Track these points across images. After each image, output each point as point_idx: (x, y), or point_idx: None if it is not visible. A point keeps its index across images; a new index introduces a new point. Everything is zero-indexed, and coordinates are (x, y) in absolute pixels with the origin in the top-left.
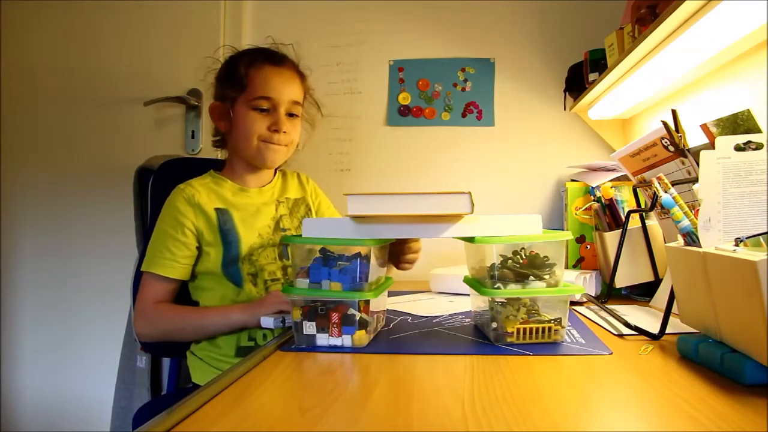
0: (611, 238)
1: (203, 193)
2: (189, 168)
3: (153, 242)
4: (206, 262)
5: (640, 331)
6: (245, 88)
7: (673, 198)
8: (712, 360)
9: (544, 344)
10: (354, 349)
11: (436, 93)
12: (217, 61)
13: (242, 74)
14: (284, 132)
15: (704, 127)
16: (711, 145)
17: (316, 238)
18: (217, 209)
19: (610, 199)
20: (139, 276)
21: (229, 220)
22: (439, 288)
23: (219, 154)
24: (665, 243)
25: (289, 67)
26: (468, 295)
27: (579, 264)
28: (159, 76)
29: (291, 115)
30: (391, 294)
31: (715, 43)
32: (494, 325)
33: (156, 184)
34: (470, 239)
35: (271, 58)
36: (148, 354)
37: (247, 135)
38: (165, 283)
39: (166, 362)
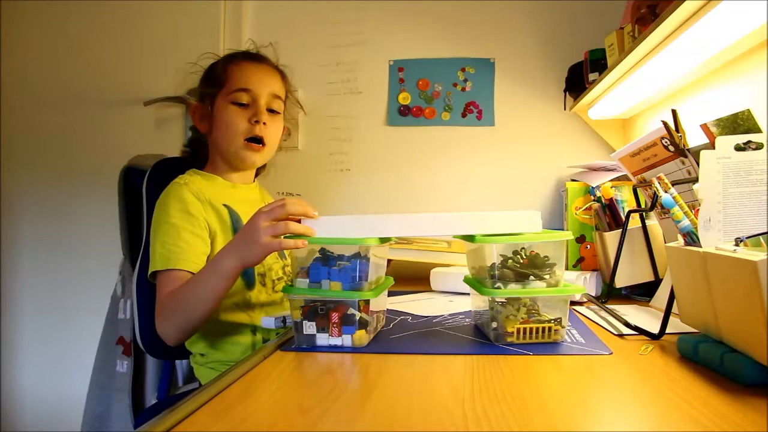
0: (611, 238)
1: (204, 189)
2: (186, 166)
3: (160, 238)
4: None
5: (640, 331)
6: (224, 84)
7: (673, 198)
8: (712, 360)
9: (544, 344)
10: (354, 349)
11: (436, 93)
12: (196, 65)
13: (221, 71)
14: (264, 123)
15: (704, 127)
16: (711, 145)
17: (315, 238)
18: (225, 205)
19: (610, 199)
20: (141, 278)
21: (238, 218)
22: (439, 287)
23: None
24: (665, 243)
25: (269, 64)
26: (469, 294)
27: (579, 264)
28: (159, 76)
29: (272, 111)
30: (391, 294)
31: (715, 43)
32: (494, 324)
33: (151, 184)
34: (470, 239)
35: (249, 55)
36: (130, 358)
37: (228, 131)
38: (183, 279)
39: (150, 366)
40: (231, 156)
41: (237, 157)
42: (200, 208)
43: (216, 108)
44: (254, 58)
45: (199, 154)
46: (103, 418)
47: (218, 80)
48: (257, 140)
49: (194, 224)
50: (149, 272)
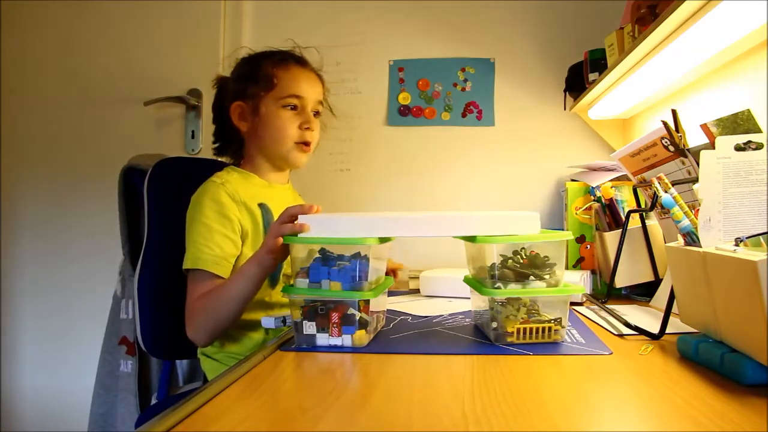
0: (611, 238)
1: (240, 189)
2: (186, 167)
3: (194, 237)
4: (242, 263)
5: (640, 331)
6: (274, 87)
7: (673, 198)
8: (712, 360)
9: (544, 344)
10: (354, 349)
11: (436, 93)
12: (232, 59)
13: (270, 73)
14: (313, 130)
15: (704, 127)
16: (711, 145)
17: (315, 238)
18: (260, 205)
19: (610, 199)
20: (142, 278)
21: (271, 219)
22: (429, 291)
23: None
24: (665, 243)
25: (312, 69)
26: (460, 297)
27: (579, 264)
28: (159, 76)
29: (316, 114)
30: (391, 294)
31: (715, 43)
32: (494, 324)
33: (152, 184)
34: (471, 239)
35: (297, 59)
36: (134, 358)
37: (279, 135)
38: (213, 283)
39: (154, 366)
40: (278, 158)
41: (286, 160)
42: (235, 209)
43: (265, 109)
44: (302, 62)
45: (232, 150)
46: (108, 418)
47: (268, 81)
48: (305, 143)
49: (227, 226)
50: (184, 267)
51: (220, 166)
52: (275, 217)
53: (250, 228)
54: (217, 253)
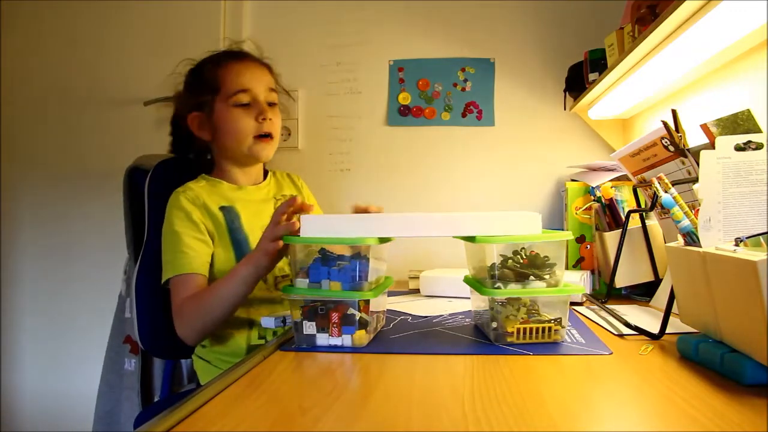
0: (611, 238)
1: (203, 194)
2: (186, 167)
3: (167, 247)
4: (217, 264)
5: (640, 331)
6: (220, 88)
7: (673, 198)
8: (712, 360)
9: (544, 344)
10: (354, 349)
11: (436, 93)
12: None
13: (213, 76)
14: (270, 119)
15: (704, 127)
16: (711, 145)
17: (315, 238)
18: (222, 208)
19: (610, 199)
20: (140, 277)
21: (236, 219)
22: (429, 291)
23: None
24: (665, 243)
25: (253, 60)
26: (460, 297)
27: (579, 264)
28: (159, 76)
29: (271, 105)
30: (390, 294)
31: (715, 43)
32: (494, 324)
33: (153, 184)
34: (471, 239)
35: (234, 55)
36: (138, 356)
37: (237, 134)
38: (195, 281)
39: (158, 364)
40: (242, 156)
41: (249, 156)
42: (197, 212)
43: (217, 113)
44: (240, 56)
45: (202, 160)
46: (113, 416)
47: (212, 86)
48: (266, 135)
49: (194, 229)
50: (162, 281)
51: (210, 171)
52: (243, 219)
53: (214, 230)
54: (191, 254)
